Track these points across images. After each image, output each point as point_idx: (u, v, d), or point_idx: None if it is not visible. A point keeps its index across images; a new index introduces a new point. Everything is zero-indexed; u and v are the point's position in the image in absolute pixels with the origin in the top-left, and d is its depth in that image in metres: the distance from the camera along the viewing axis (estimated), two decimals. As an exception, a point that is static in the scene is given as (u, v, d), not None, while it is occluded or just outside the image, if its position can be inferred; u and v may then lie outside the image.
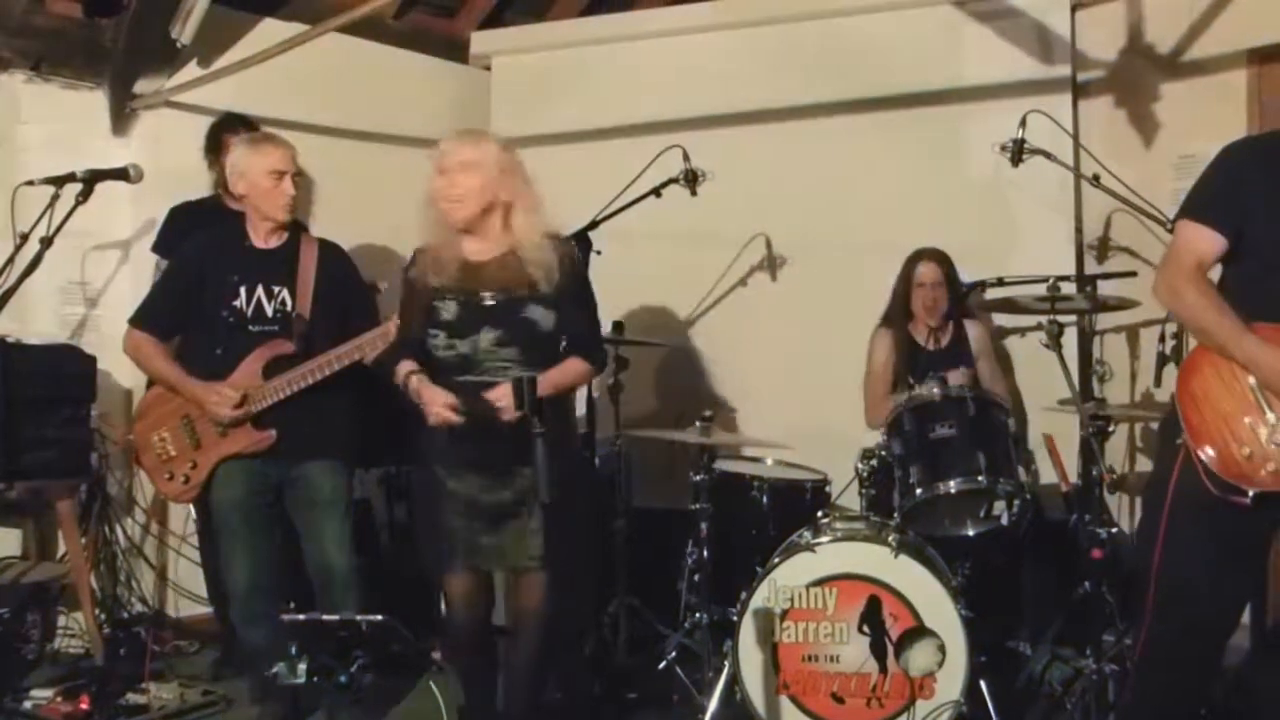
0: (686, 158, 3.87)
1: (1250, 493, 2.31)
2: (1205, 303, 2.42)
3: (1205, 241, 2.45)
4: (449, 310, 2.88)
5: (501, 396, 2.74)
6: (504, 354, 2.84)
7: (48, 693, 3.51)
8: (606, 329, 4.21)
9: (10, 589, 3.82)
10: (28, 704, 3.48)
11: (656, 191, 3.83)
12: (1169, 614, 2.50)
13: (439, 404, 2.79)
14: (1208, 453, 2.36)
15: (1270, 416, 2.34)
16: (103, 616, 4.08)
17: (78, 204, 3.09)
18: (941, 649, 3.03)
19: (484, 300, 2.88)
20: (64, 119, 4.30)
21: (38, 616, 4.01)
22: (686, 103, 4.62)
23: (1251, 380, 2.36)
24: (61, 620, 4.11)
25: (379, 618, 1.97)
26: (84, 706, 3.43)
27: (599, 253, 3.72)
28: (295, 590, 3.41)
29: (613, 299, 4.52)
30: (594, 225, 3.73)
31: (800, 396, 4.40)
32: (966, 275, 4.01)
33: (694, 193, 3.89)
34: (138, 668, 3.74)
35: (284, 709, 2.73)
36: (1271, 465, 2.32)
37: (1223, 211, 2.44)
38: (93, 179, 3.05)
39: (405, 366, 2.91)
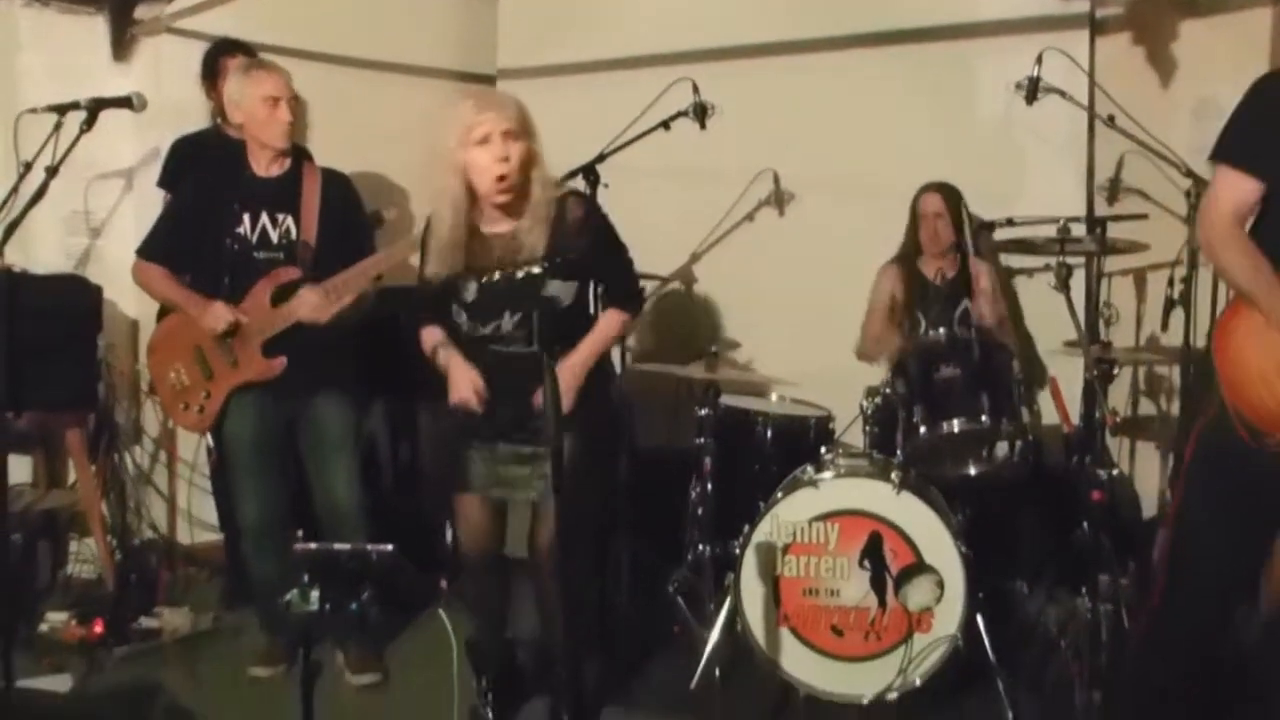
0: (696, 90, 3.83)
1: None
2: (1243, 262, 2.33)
3: (1242, 189, 2.34)
4: (469, 291, 2.84)
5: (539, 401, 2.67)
6: (524, 330, 2.83)
7: (63, 616, 3.59)
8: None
9: (22, 516, 3.87)
10: (44, 627, 3.55)
11: (665, 124, 3.79)
12: (1184, 567, 2.49)
13: (465, 388, 2.82)
14: (1247, 404, 2.31)
15: None
16: (114, 543, 4.14)
17: (82, 133, 3.07)
18: (940, 585, 3.07)
19: (502, 280, 2.82)
20: (63, 45, 4.26)
21: (49, 543, 4.07)
22: (696, 35, 4.56)
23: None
24: (73, 547, 4.17)
25: (388, 547, 1.99)
26: (98, 630, 3.51)
27: (606, 185, 3.70)
28: (304, 524, 3.46)
29: (620, 232, 4.54)
30: (601, 159, 3.70)
31: (806, 333, 4.39)
32: (978, 215, 4.00)
33: (703, 126, 3.85)
34: (149, 594, 3.82)
35: (294, 638, 2.77)
36: None
37: (1258, 154, 2.33)
38: (97, 107, 3.03)
39: (433, 336, 2.92)
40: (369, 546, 1.98)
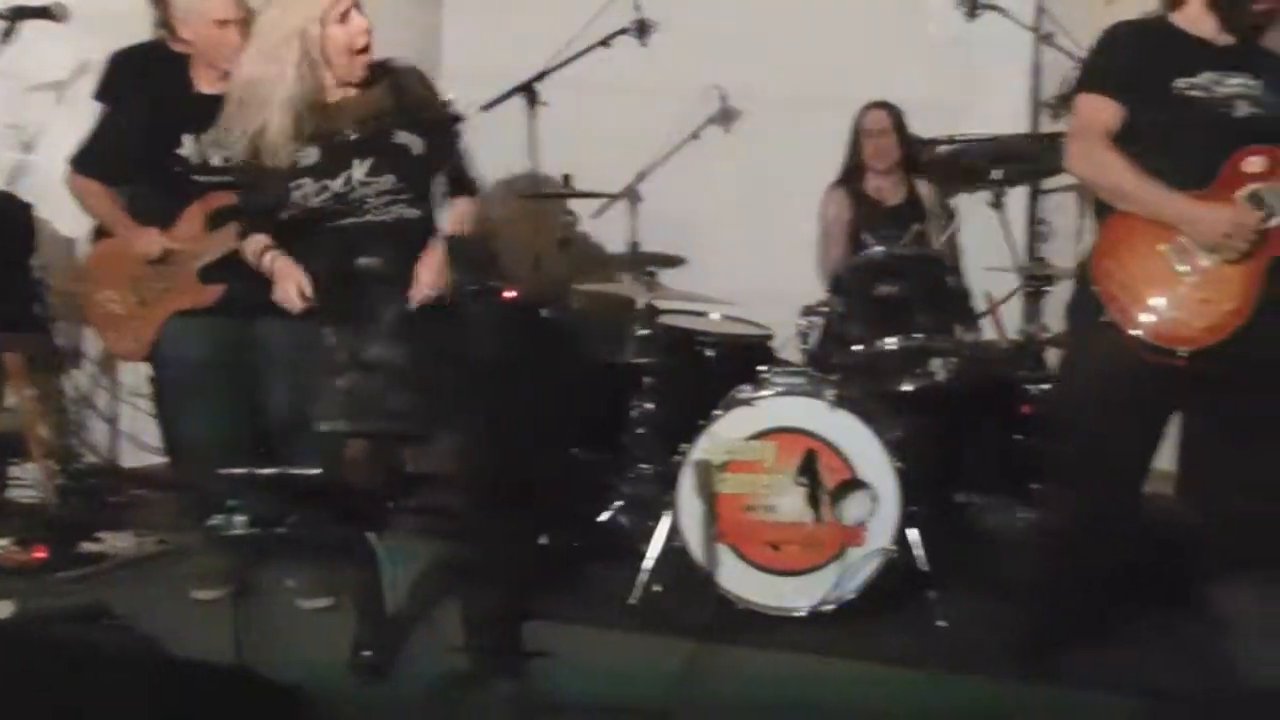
0: (637, 6, 3.77)
1: (1183, 351, 2.47)
2: (1124, 165, 2.54)
3: (1106, 111, 2.58)
4: (309, 156, 2.66)
5: (433, 268, 2.59)
6: (381, 185, 2.66)
7: (3, 542, 3.55)
8: (557, 179, 4.19)
9: (-41, 439, 3.84)
10: (-17, 551, 3.53)
11: (605, 42, 3.74)
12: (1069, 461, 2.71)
13: (292, 287, 2.66)
14: (1135, 320, 2.50)
15: (1187, 275, 2.48)
16: (55, 467, 4.11)
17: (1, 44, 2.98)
18: (874, 499, 3.14)
19: (348, 136, 2.67)
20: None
21: (-12, 466, 4.04)
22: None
23: (1160, 246, 2.50)
24: (13, 471, 4.14)
25: (316, 471, 2.00)
26: (40, 555, 3.48)
27: (545, 104, 3.65)
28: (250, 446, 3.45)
29: (561, 151, 4.49)
30: (540, 77, 3.65)
31: (751, 252, 4.41)
32: (923, 132, 3.99)
33: (644, 43, 3.80)
34: (92, 518, 3.80)
35: (233, 559, 2.79)
36: (1199, 322, 2.47)
37: (1118, 84, 2.59)
38: (15, 16, 2.93)
39: (258, 242, 2.74)
40: (293, 470, 1.99)
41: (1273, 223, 2.47)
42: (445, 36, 4.90)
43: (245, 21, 3.15)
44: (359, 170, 2.65)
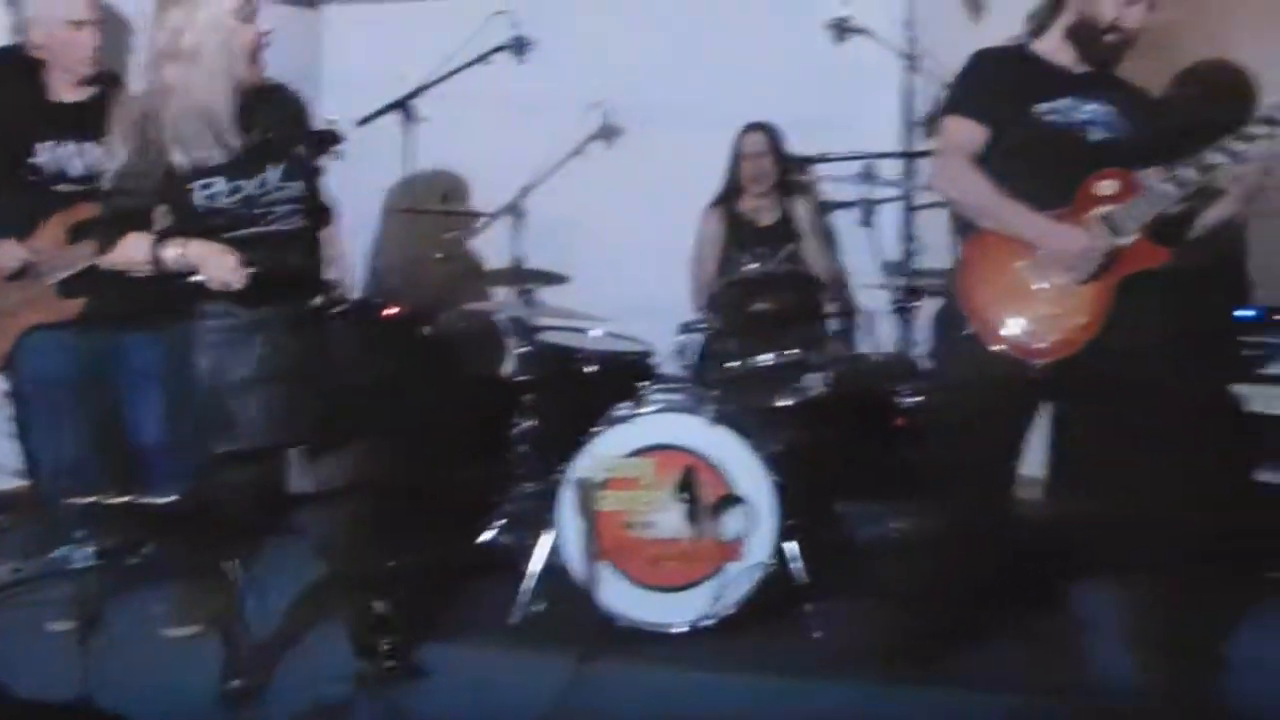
0: (514, 25, 3.76)
1: (1038, 364, 2.59)
2: (982, 187, 2.64)
3: (969, 133, 2.67)
4: (216, 157, 2.57)
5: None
6: (289, 192, 2.64)
7: None
8: (436, 200, 4.16)
9: None
10: None
11: (483, 58, 3.72)
12: (951, 469, 2.79)
13: (225, 265, 2.53)
14: (994, 335, 2.61)
15: (1042, 291, 2.58)
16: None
17: None
18: (752, 514, 3.17)
19: (260, 138, 2.62)
20: None
21: None
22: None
23: (1017, 263, 2.60)
24: None
25: (171, 498, 1.93)
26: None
27: (425, 120, 3.62)
28: (110, 467, 3.33)
29: (441, 168, 4.46)
30: (417, 93, 3.61)
31: (633, 269, 4.42)
32: (802, 151, 4.06)
33: (522, 60, 3.80)
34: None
35: (88, 589, 2.68)
36: (1053, 336, 2.58)
37: (981, 107, 2.68)
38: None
39: (144, 240, 2.59)
40: (145, 500, 1.92)
41: (1122, 243, 2.58)
42: (325, 48, 4.84)
43: (99, 23, 3.06)
44: (273, 174, 2.62)
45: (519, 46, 3.77)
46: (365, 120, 3.49)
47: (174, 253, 2.54)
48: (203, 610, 2.94)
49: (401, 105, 3.54)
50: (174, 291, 2.60)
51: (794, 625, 3.18)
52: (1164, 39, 2.95)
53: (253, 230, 2.59)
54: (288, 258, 2.62)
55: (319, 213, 2.78)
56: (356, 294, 2.83)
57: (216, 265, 2.53)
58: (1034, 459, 3.54)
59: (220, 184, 2.57)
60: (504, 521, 3.72)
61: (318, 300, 2.67)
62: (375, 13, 4.69)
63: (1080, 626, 3.17)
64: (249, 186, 2.59)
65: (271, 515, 2.94)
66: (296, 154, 2.67)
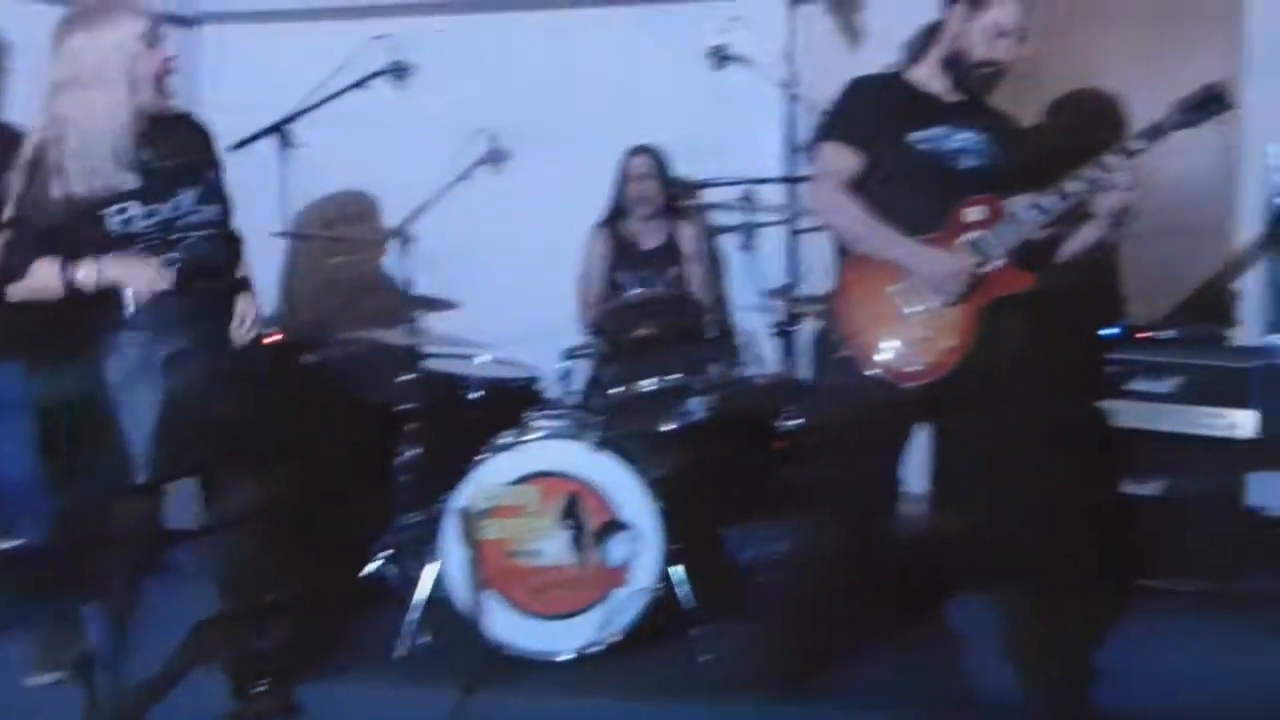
0: (393, 49, 3.72)
1: (909, 386, 2.65)
2: (856, 213, 2.69)
3: (844, 159, 2.72)
4: (129, 181, 2.56)
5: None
6: (206, 215, 2.65)
7: None
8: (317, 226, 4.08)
9: None
10: None
11: (360, 84, 3.67)
12: (832, 487, 2.83)
13: (149, 271, 2.53)
14: (869, 357, 2.67)
15: (914, 315, 2.65)
16: None
17: None
18: (638, 539, 3.17)
19: (172, 163, 2.63)
20: None
21: None
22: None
23: (889, 287, 2.66)
24: None
25: (20, 542, 1.85)
26: None
27: (302, 145, 3.55)
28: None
29: (322, 194, 4.39)
30: (294, 117, 3.55)
31: (521, 294, 4.38)
32: (688, 175, 4.10)
33: (401, 85, 3.76)
34: None
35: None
36: (924, 359, 2.64)
37: (856, 134, 2.72)
38: None
39: (52, 264, 2.54)
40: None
41: (988, 268, 2.65)
42: (203, 69, 4.72)
43: None
44: (186, 198, 2.62)
45: (399, 71, 3.73)
46: (240, 145, 3.41)
47: (88, 273, 2.51)
48: (64, 656, 2.85)
49: (278, 129, 3.46)
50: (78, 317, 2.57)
51: (682, 649, 3.18)
52: (1034, 70, 3.06)
53: (169, 255, 2.58)
54: (204, 280, 2.62)
55: (231, 240, 2.79)
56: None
57: (137, 274, 2.53)
58: (918, 475, 3.63)
59: (135, 208, 2.56)
60: (388, 552, 3.65)
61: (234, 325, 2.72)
62: (255, 33, 4.60)
63: (960, 640, 3.24)
64: (164, 210, 2.59)
65: (149, 552, 2.87)
66: (209, 179, 2.69)
